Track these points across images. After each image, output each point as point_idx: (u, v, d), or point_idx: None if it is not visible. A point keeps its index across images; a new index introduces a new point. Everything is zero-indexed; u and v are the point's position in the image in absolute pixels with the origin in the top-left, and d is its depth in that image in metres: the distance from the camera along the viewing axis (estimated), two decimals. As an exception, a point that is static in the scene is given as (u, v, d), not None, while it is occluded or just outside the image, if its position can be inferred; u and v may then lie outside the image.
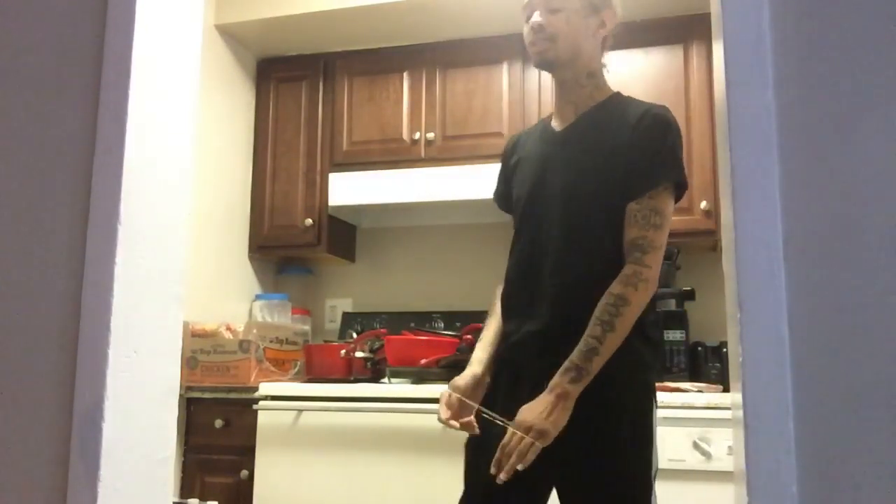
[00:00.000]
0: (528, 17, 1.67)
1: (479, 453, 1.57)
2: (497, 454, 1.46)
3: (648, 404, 1.57)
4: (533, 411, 1.47)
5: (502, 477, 1.44)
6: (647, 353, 1.59)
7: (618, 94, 1.70)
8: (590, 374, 1.47)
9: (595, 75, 1.69)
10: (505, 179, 1.80)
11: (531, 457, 1.43)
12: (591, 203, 1.59)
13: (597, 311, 1.50)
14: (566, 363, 1.49)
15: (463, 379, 1.65)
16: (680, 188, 1.60)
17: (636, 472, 1.52)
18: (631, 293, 1.50)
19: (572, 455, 1.49)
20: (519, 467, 1.43)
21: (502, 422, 1.50)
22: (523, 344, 1.62)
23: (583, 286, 1.55)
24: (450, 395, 1.62)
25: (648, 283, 1.52)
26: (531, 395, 1.51)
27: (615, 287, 1.51)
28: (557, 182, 1.63)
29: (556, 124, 1.72)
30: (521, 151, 1.76)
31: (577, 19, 1.64)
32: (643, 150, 1.57)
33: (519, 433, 1.45)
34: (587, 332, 1.50)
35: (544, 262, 1.62)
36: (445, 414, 1.60)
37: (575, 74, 1.67)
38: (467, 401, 1.62)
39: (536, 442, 1.43)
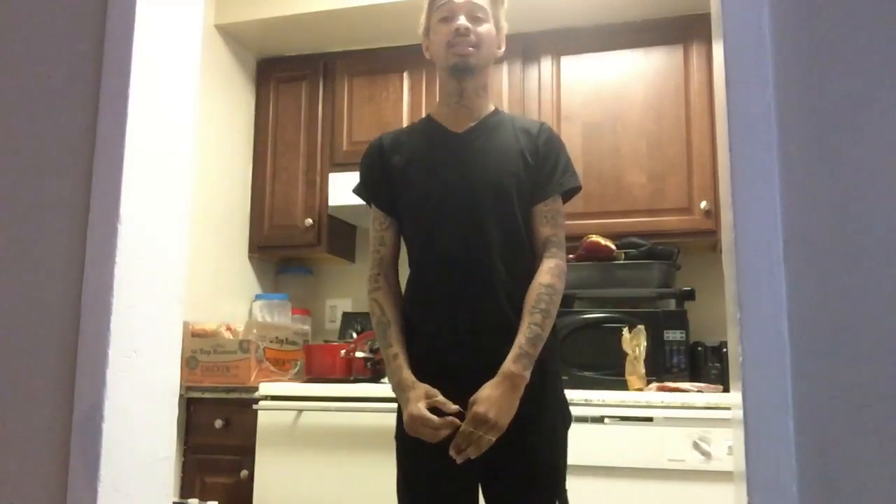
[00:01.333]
0: (447, 19, 1.69)
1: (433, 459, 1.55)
2: (458, 440, 1.50)
3: (563, 391, 1.70)
4: (495, 405, 1.49)
5: (459, 460, 1.50)
6: (555, 342, 1.68)
7: (497, 108, 1.80)
8: (535, 359, 1.55)
9: (487, 88, 1.78)
10: (387, 179, 1.72)
11: (485, 448, 1.50)
12: (512, 202, 1.66)
13: (531, 300, 1.59)
14: (517, 350, 1.54)
15: (426, 394, 1.55)
16: (573, 193, 1.76)
17: (563, 453, 1.65)
18: (558, 284, 1.62)
19: (507, 441, 1.52)
20: (472, 457, 1.50)
21: (461, 413, 1.52)
22: (459, 343, 1.60)
23: (512, 282, 1.63)
24: (428, 417, 1.51)
25: (565, 275, 1.66)
26: (470, 394, 1.53)
27: (545, 278, 1.61)
28: (477, 180, 1.66)
29: (451, 127, 1.73)
30: (407, 152, 1.72)
31: (492, 33, 1.73)
32: (548, 158, 1.70)
33: (478, 432, 1.48)
34: (528, 319, 1.57)
35: (473, 259, 1.63)
36: (439, 428, 1.52)
37: (476, 85, 1.73)
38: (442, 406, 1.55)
39: (491, 437, 1.49)
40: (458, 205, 1.65)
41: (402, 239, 1.75)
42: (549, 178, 1.69)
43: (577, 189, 1.74)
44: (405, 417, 1.54)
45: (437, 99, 1.79)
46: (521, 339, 1.55)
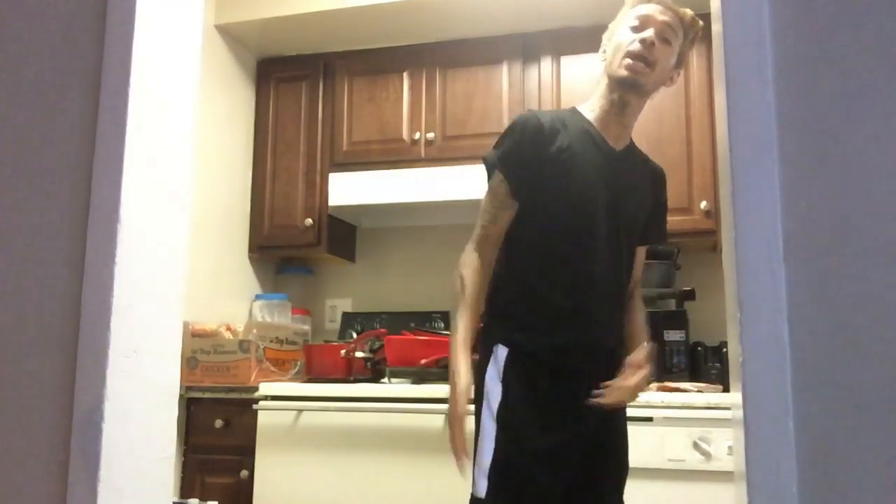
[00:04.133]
0: (637, 29, 1.65)
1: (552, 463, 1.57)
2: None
3: None
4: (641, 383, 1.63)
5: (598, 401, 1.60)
6: None
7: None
8: None
9: (640, 113, 1.75)
10: (535, 163, 1.63)
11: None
12: (637, 234, 1.75)
13: (644, 326, 1.78)
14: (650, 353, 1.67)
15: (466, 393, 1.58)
16: None
17: None
18: None
19: (602, 440, 1.65)
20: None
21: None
22: (573, 350, 1.62)
23: (624, 305, 1.74)
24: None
25: None
26: (570, 398, 1.61)
27: (643, 309, 1.82)
28: (622, 202, 1.68)
29: (609, 140, 1.70)
30: (564, 146, 1.64)
31: (671, 61, 1.69)
32: (664, 209, 1.85)
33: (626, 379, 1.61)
34: (646, 334, 1.75)
35: (613, 275, 1.67)
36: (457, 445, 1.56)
37: (637, 106, 1.71)
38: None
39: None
40: (606, 221, 1.65)
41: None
42: (659, 226, 1.85)
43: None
44: (450, 406, 1.57)
45: (593, 99, 1.74)
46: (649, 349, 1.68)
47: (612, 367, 1.66)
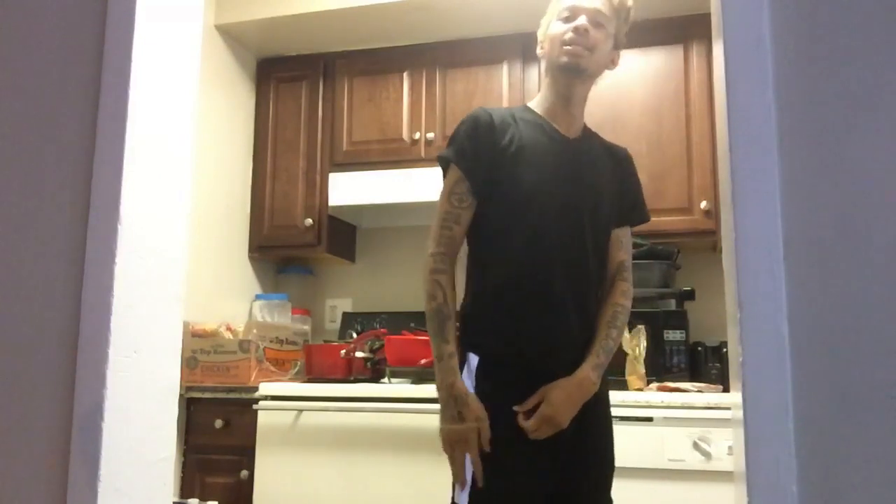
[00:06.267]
0: (569, 19, 1.68)
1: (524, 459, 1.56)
2: (525, 428, 1.54)
3: None
4: (562, 408, 1.55)
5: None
6: None
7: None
8: (604, 369, 1.65)
9: (586, 101, 1.76)
10: (490, 158, 1.63)
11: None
12: (606, 224, 1.71)
13: (608, 316, 1.67)
14: (595, 359, 1.61)
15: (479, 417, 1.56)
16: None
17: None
18: (629, 305, 1.72)
19: (584, 439, 1.61)
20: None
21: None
22: (549, 350, 1.60)
23: (596, 300, 1.70)
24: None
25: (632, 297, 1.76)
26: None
27: (620, 299, 1.70)
28: (582, 190, 1.66)
29: (562, 130, 1.70)
30: (516, 139, 1.64)
31: (609, 43, 1.72)
32: (634, 186, 1.81)
33: (540, 430, 1.54)
34: (605, 332, 1.65)
35: (573, 265, 1.63)
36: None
37: (583, 92, 1.73)
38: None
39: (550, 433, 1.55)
40: (565, 210, 1.63)
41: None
42: (633, 206, 1.79)
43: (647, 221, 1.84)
44: (460, 427, 1.52)
45: (539, 95, 1.76)
46: (598, 350, 1.62)
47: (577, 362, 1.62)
